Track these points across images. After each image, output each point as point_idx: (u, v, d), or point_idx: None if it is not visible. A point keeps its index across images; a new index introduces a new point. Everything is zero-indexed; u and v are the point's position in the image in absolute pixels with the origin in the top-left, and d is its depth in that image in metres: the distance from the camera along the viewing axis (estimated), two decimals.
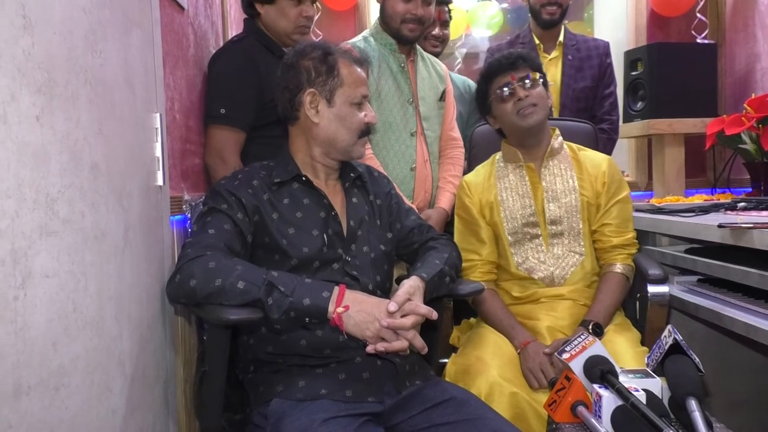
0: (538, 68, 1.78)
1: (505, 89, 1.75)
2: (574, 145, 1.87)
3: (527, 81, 1.74)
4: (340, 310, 1.26)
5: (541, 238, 1.77)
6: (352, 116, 1.44)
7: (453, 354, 1.71)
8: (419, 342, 1.31)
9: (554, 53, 2.65)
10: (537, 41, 2.63)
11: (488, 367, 1.54)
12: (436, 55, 2.49)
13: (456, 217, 1.88)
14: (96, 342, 1.04)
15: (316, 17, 2.00)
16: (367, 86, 1.49)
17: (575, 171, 1.80)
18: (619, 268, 1.74)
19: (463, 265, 1.78)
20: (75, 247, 0.98)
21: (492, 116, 1.84)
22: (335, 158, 1.48)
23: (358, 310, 1.28)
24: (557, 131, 1.85)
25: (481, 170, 1.90)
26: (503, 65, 1.77)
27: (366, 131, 1.48)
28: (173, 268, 1.32)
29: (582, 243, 1.77)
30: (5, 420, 0.81)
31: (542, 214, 1.78)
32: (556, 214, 1.77)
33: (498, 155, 1.90)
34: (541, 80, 1.77)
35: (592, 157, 1.84)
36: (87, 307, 1.01)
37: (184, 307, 1.47)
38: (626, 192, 1.81)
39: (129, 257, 1.19)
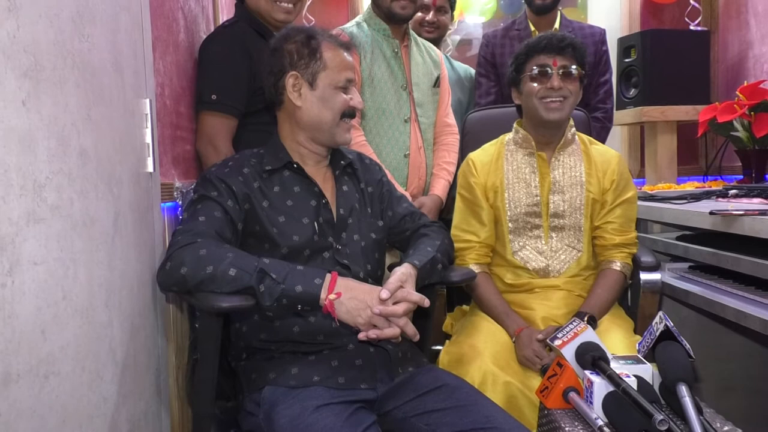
0: (583, 63, 1.72)
1: (543, 70, 1.69)
2: (586, 138, 1.84)
3: (568, 71, 1.68)
4: (332, 297, 1.26)
5: (541, 229, 1.76)
6: (334, 98, 1.42)
7: (447, 342, 1.71)
8: (411, 329, 1.31)
9: None
10: (532, 28, 2.61)
11: (481, 355, 1.55)
12: (433, 41, 2.47)
13: (458, 196, 1.84)
14: (86, 329, 1.03)
15: (307, 2, 1.97)
16: (353, 71, 1.46)
17: (584, 165, 1.77)
18: (618, 265, 1.72)
19: (460, 245, 1.78)
20: (64, 234, 0.96)
21: (518, 91, 1.78)
22: (321, 143, 1.47)
23: (350, 297, 1.27)
24: (571, 122, 1.79)
25: (488, 149, 1.85)
26: (551, 46, 1.69)
27: (350, 113, 1.45)
28: (164, 256, 1.31)
29: (581, 239, 1.75)
30: None
31: (546, 205, 1.75)
32: (559, 208, 1.74)
33: (507, 137, 1.84)
34: (581, 76, 1.71)
35: (603, 152, 1.81)
36: (76, 295, 1.00)
37: (176, 294, 1.46)
38: (633, 192, 1.78)
39: (119, 244, 1.18)
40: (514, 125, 1.83)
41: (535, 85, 1.70)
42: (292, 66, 1.42)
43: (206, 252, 1.25)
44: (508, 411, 1.46)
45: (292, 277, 1.25)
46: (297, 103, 1.42)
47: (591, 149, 1.81)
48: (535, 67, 1.70)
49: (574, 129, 1.80)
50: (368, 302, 1.28)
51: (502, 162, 1.80)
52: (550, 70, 1.68)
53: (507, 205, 1.76)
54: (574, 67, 1.69)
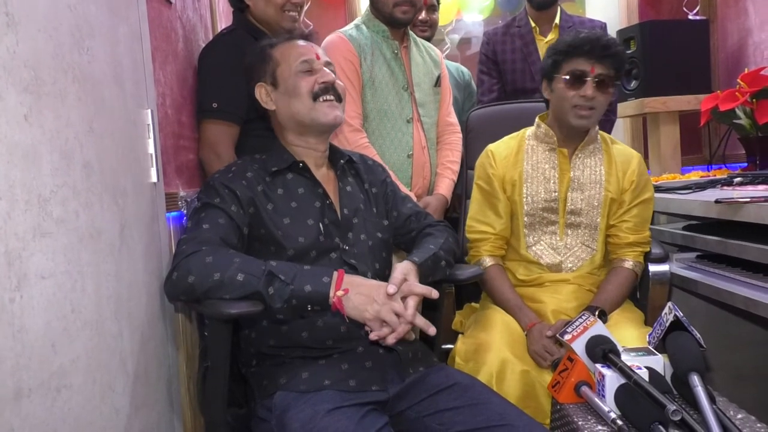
0: (620, 71, 1.68)
1: (579, 77, 1.63)
2: (608, 137, 1.82)
3: (603, 82, 1.64)
4: (339, 293, 1.26)
5: (557, 225, 1.75)
6: (298, 83, 1.44)
7: (460, 335, 1.71)
8: (421, 321, 1.29)
9: (550, 36, 2.63)
10: (533, 24, 2.61)
11: (498, 344, 1.55)
12: (426, 40, 2.48)
13: (475, 186, 1.84)
14: (96, 341, 1.04)
15: (305, 7, 1.98)
16: (310, 53, 1.47)
17: (604, 165, 1.75)
18: (629, 264, 1.71)
19: (476, 236, 1.78)
20: (70, 247, 0.97)
21: (550, 87, 1.72)
22: (311, 133, 1.47)
23: (357, 293, 1.27)
24: None
25: (509, 142, 1.83)
26: (594, 52, 1.62)
27: (322, 89, 1.44)
28: (170, 266, 1.31)
29: (596, 238, 1.75)
30: (7, 423, 0.80)
31: (564, 201, 1.74)
32: (577, 205, 1.74)
33: (528, 131, 1.82)
34: (613, 84, 1.66)
35: (624, 152, 1.79)
36: (85, 307, 1.00)
37: (184, 303, 1.47)
38: (651, 193, 1.77)
39: (126, 255, 1.18)
40: (537, 119, 1.81)
41: (569, 90, 1.65)
42: (256, 79, 1.49)
43: (212, 259, 1.26)
44: (525, 401, 1.48)
45: (300, 277, 1.25)
46: (272, 108, 1.48)
47: (612, 149, 1.79)
48: (571, 71, 1.64)
49: (597, 128, 1.79)
50: (375, 297, 1.27)
51: (522, 156, 1.79)
52: (586, 78, 1.63)
53: (524, 199, 1.76)
54: (611, 77, 1.64)
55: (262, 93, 1.49)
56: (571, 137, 1.75)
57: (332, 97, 1.45)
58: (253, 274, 1.24)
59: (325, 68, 1.47)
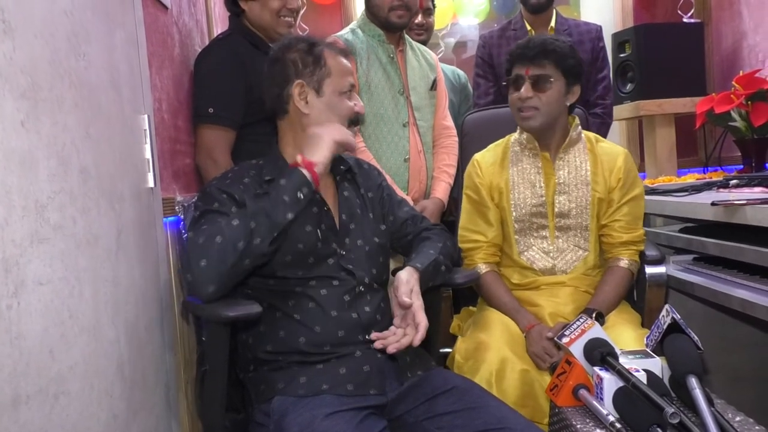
0: (567, 67, 1.67)
1: (516, 80, 1.68)
2: (592, 136, 1.82)
3: (539, 81, 1.66)
4: (298, 159, 1.36)
5: (547, 229, 1.75)
6: (341, 104, 1.44)
7: (459, 337, 1.71)
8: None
9: None
10: (528, 27, 2.61)
11: (498, 343, 1.55)
12: (422, 43, 2.49)
13: (464, 196, 1.85)
14: (94, 347, 1.03)
15: (302, 11, 1.98)
16: (354, 76, 1.48)
17: (590, 164, 1.75)
18: (625, 263, 1.71)
19: (468, 245, 1.78)
20: (68, 253, 0.97)
21: None
22: None
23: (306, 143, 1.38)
24: (577, 121, 1.78)
25: (494, 150, 1.84)
26: (523, 56, 1.67)
27: (355, 120, 1.47)
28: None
29: (588, 239, 1.75)
30: (5, 430, 0.80)
31: (551, 205, 1.74)
32: (565, 208, 1.74)
33: (513, 137, 1.83)
34: (554, 81, 1.66)
35: (609, 150, 1.79)
36: (83, 313, 1.00)
37: (183, 307, 1.47)
38: (640, 189, 1.77)
39: (123, 261, 1.18)
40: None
41: (512, 94, 1.71)
42: (297, 75, 1.42)
43: (204, 237, 1.27)
44: (524, 401, 1.48)
45: (271, 188, 1.34)
46: (304, 111, 1.42)
47: (597, 147, 1.78)
48: (510, 76, 1.72)
49: (579, 128, 1.79)
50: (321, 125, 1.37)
51: (508, 163, 1.79)
52: (522, 81, 1.68)
53: (512, 206, 1.76)
54: (547, 75, 1.66)
55: (296, 91, 1.42)
56: (549, 140, 1.75)
57: (357, 127, 1.49)
58: (244, 214, 1.29)
59: (355, 94, 1.49)
